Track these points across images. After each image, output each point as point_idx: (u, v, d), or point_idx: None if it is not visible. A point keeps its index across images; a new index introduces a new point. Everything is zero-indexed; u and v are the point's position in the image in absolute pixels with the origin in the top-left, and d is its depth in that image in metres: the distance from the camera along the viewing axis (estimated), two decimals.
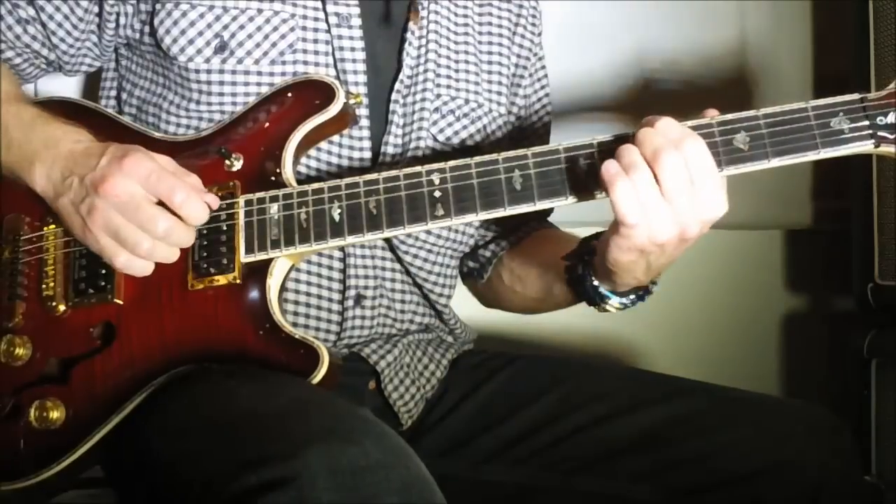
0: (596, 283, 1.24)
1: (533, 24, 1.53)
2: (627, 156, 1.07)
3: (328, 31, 1.32)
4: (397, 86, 1.36)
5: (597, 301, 1.26)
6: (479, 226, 1.48)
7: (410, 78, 1.38)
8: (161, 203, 1.14)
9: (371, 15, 1.35)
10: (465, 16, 1.47)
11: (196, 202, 1.14)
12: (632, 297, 1.24)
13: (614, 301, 1.25)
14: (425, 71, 1.39)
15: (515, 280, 1.49)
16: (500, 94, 1.47)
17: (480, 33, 1.48)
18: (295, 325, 1.26)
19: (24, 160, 1.19)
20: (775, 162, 1.10)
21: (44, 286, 1.22)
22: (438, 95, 1.41)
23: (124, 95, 1.40)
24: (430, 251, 1.39)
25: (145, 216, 1.12)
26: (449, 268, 1.45)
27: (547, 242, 1.44)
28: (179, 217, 1.14)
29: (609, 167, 1.07)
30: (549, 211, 1.55)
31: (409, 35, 1.37)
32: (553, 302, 1.43)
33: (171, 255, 1.16)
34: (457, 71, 1.43)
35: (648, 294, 1.25)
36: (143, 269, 1.16)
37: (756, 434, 1.26)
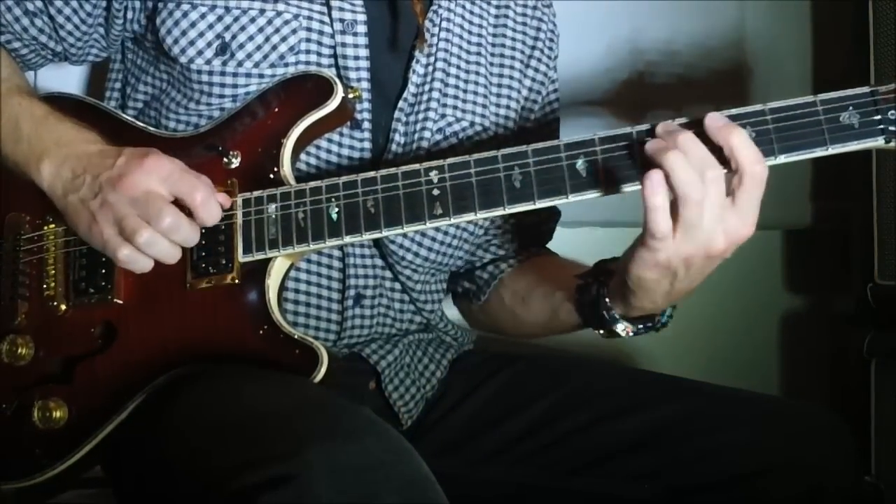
0: (609, 304, 1.23)
1: (549, 49, 1.51)
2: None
3: (332, 35, 1.31)
4: (401, 104, 1.35)
5: (607, 324, 1.24)
6: (478, 245, 1.48)
7: (415, 96, 1.37)
8: (176, 204, 1.14)
9: (379, 27, 1.34)
10: (480, 34, 1.45)
11: (214, 203, 1.15)
12: (640, 326, 1.23)
13: (623, 326, 1.23)
14: (430, 90, 1.38)
15: (518, 302, 1.47)
16: (507, 118, 1.46)
17: (493, 55, 1.46)
18: (295, 325, 1.26)
19: (33, 156, 1.19)
20: (782, 158, 1.06)
21: (45, 286, 1.23)
22: (443, 116, 1.39)
23: (128, 89, 1.40)
24: (415, 270, 1.39)
25: (153, 209, 1.12)
26: (430, 283, 1.44)
27: (553, 265, 1.43)
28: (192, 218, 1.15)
29: (654, 182, 1.04)
30: (549, 236, 1.55)
31: (417, 53, 1.36)
32: (556, 325, 1.40)
33: (171, 253, 1.15)
34: (465, 91, 1.42)
35: (662, 325, 1.24)
36: (145, 264, 1.16)
37: (756, 434, 1.26)
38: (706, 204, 1.04)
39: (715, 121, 1.05)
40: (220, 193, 1.18)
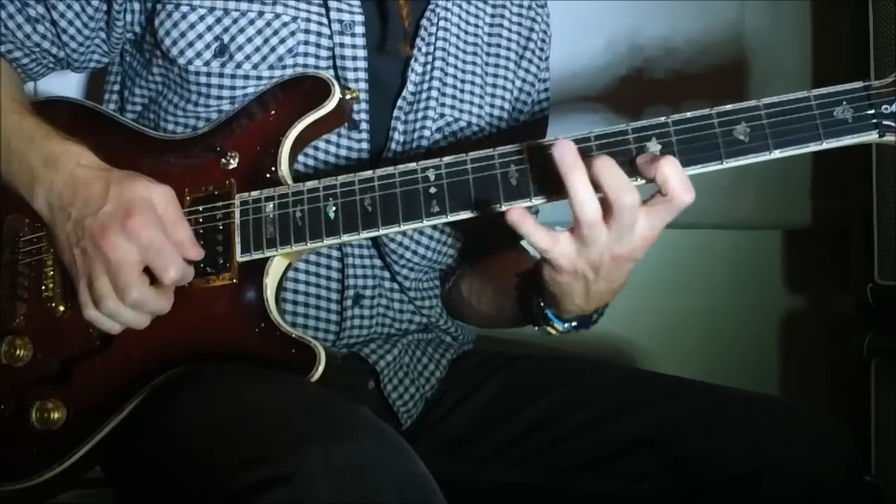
0: (542, 304, 1.23)
1: (541, 49, 1.51)
2: None
3: (330, 37, 1.31)
4: (400, 102, 1.35)
5: (540, 321, 1.26)
6: (453, 236, 1.48)
7: (414, 95, 1.37)
8: None
9: (373, 28, 1.33)
10: (476, 34, 1.45)
11: (186, 276, 1.14)
12: (574, 323, 1.24)
13: (557, 324, 1.24)
14: (429, 89, 1.38)
15: (473, 294, 1.49)
16: (500, 118, 1.46)
17: (488, 54, 1.46)
18: (294, 325, 1.26)
19: (24, 177, 1.19)
20: (777, 153, 1.06)
21: (43, 287, 1.23)
22: (442, 115, 1.40)
23: (126, 93, 1.40)
24: (412, 269, 1.39)
25: (123, 281, 1.11)
26: (423, 281, 1.45)
27: (508, 263, 1.43)
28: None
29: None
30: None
31: (415, 52, 1.36)
32: (502, 320, 1.43)
33: (139, 321, 1.15)
34: (462, 91, 1.42)
35: (592, 324, 1.25)
36: (110, 327, 1.15)
37: (756, 434, 1.25)
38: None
39: (644, 157, 1.06)
40: (195, 247, 1.16)
